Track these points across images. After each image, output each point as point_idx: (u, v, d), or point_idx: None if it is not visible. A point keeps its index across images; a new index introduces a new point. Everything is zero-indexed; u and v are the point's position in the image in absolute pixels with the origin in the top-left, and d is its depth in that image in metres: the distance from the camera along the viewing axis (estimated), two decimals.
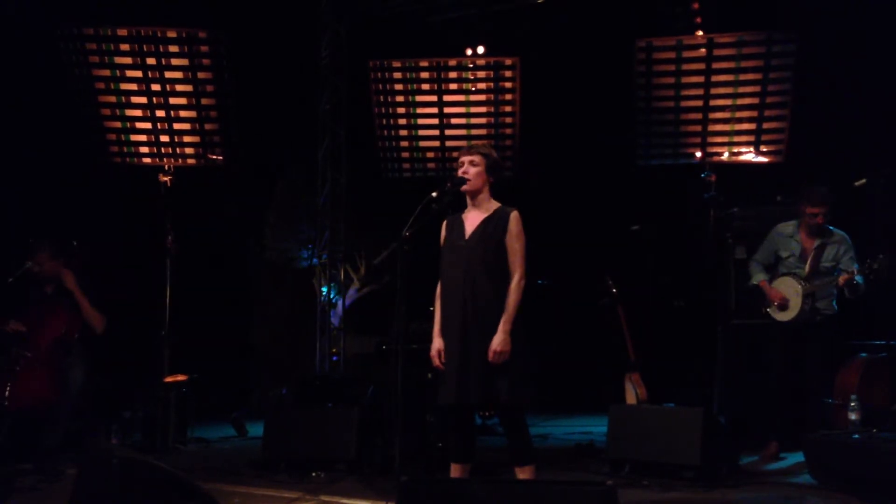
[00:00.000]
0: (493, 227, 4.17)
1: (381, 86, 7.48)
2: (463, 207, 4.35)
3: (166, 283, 7.12)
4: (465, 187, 4.21)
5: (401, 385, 4.13)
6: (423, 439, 5.78)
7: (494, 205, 4.26)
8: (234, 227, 11.12)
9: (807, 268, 5.99)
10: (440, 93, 7.43)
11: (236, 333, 11.20)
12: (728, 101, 6.86)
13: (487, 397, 4.08)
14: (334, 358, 8.85)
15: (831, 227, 6.05)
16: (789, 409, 6.01)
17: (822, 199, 5.93)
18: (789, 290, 6.03)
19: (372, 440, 5.66)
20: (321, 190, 8.82)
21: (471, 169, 4.20)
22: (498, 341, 4.00)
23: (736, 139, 6.92)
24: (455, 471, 4.16)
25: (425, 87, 7.44)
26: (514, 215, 4.18)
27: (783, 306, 6.02)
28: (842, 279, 5.75)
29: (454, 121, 7.50)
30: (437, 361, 4.19)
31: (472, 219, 4.25)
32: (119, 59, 6.96)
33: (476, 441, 4.32)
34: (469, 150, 4.26)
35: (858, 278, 5.75)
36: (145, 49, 6.91)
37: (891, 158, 6.09)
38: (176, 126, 7.16)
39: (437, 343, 4.21)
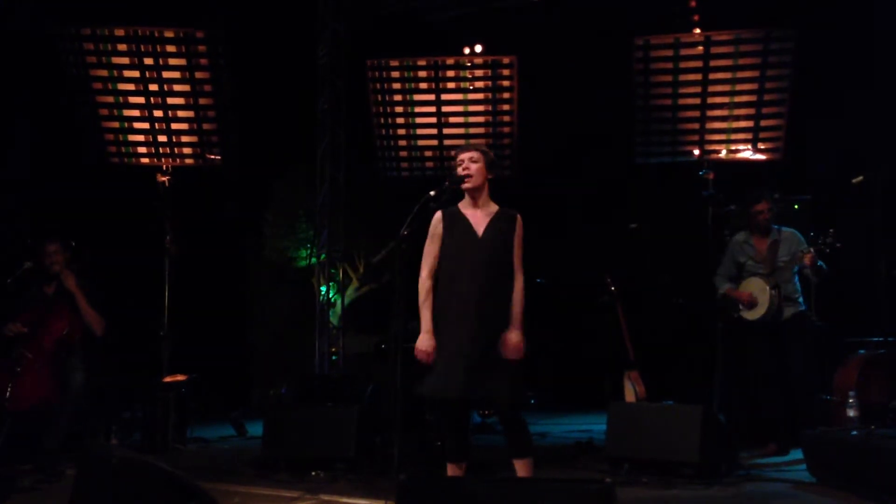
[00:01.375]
0: (503, 226, 4.18)
1: (378, 85, 7.48)
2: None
3: (165, 283, 7.12)
4: (467, 185, 4.17)
5: (400, 384, 4.13)
6: (422, 438, 5.78)
7: (493, 204, 4.25)
8: (233, 227, 11.12)
9: (766, 266, 6.05)
10: (438, 92, 7.42)
11: (236, 333, 11.21)
12: (726, 99, 6.87)
13: (490, 396, 4.12)
14: (333, 357, 8.85)
15: (778, 226, 6.13)
16: (779, 408, 6.00)
17: (763, 196, 6.10)
18: (755, 287, 6.08)
19: (371, 439, 5.65)
20: (320, 190, 8.81)
21: (472, 165, 4.17)
22: (517, 334, 4.06)
23: (734, 137, 6.93)
24: (451, 470, 4.15)
25: (423, 86, 7.44)
26: (520, 218, 4.23)
27: (752, 304, 6.06)
28: (807, 258, 5.79)
29: (452, 119, 7.50)
30: (425, 359, 4.10)
31: (479, 217, 4.20)
32: (116, 59, 6.96)
33: (471, 440, 4.32)
34: (467, 148, 4.24)
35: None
36: (143, 49, 6.91)
37: (890, 157, 6.10)
38: (174, 126, 7.16)
39: (430, 341, 4.11)
